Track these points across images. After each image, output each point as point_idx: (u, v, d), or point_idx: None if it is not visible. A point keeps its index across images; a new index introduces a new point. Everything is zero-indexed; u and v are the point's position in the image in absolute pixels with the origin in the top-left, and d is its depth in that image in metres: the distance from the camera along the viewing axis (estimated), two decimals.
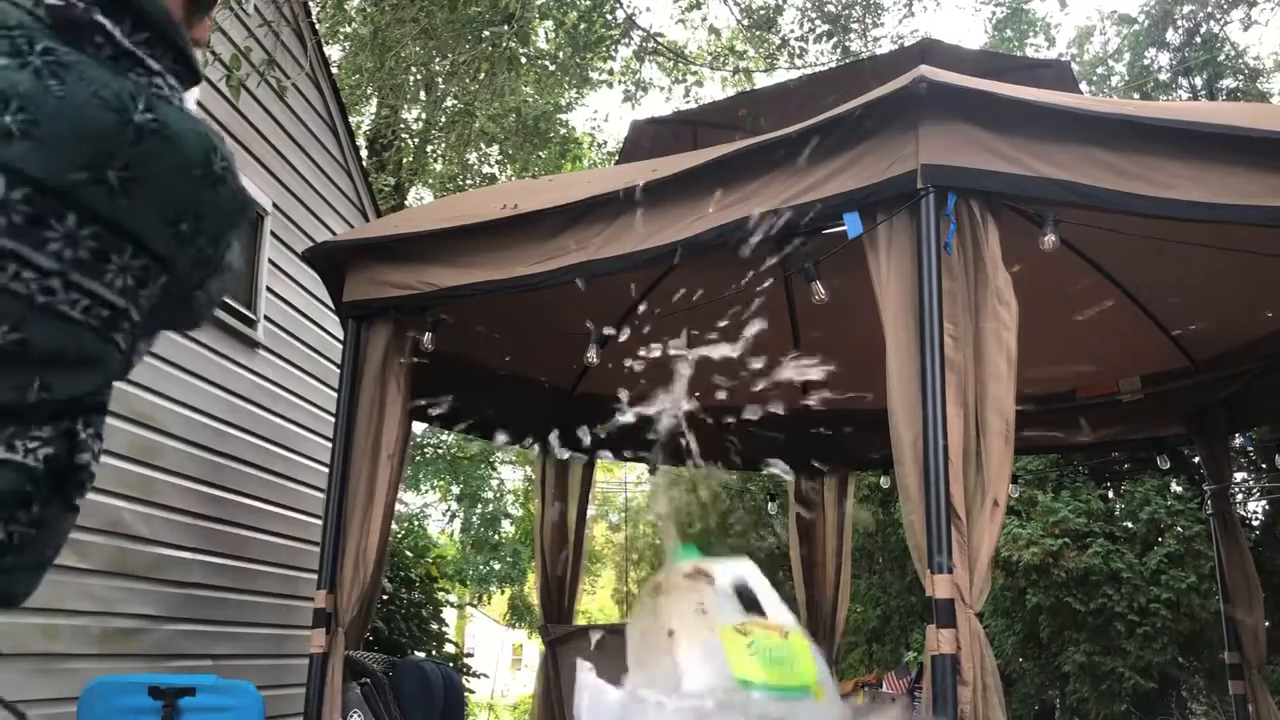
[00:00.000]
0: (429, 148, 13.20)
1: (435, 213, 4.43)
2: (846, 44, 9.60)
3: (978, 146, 2.75)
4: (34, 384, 1.05)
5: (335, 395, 4.03)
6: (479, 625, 25.41)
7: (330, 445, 4.12)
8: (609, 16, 9.48)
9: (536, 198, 3.57)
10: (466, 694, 7.25)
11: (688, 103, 11.96)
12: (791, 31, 10.12)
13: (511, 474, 18.54)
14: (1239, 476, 9.30)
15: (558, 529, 5.57)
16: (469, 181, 12.46)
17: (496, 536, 18.03)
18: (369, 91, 10.59)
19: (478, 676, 9.81)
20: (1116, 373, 5.06)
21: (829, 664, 5.87)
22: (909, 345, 2.72)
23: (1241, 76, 11.93)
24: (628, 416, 3.69)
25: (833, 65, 8.84)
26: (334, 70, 8.11)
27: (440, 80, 9.88)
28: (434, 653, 7.79)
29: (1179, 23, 12.06)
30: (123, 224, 1.08)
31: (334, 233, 6.33)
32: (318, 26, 7.42)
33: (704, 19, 11.88)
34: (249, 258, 5.50)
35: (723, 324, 2.57)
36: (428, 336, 3.85)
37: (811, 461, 6.09)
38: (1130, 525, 8.89)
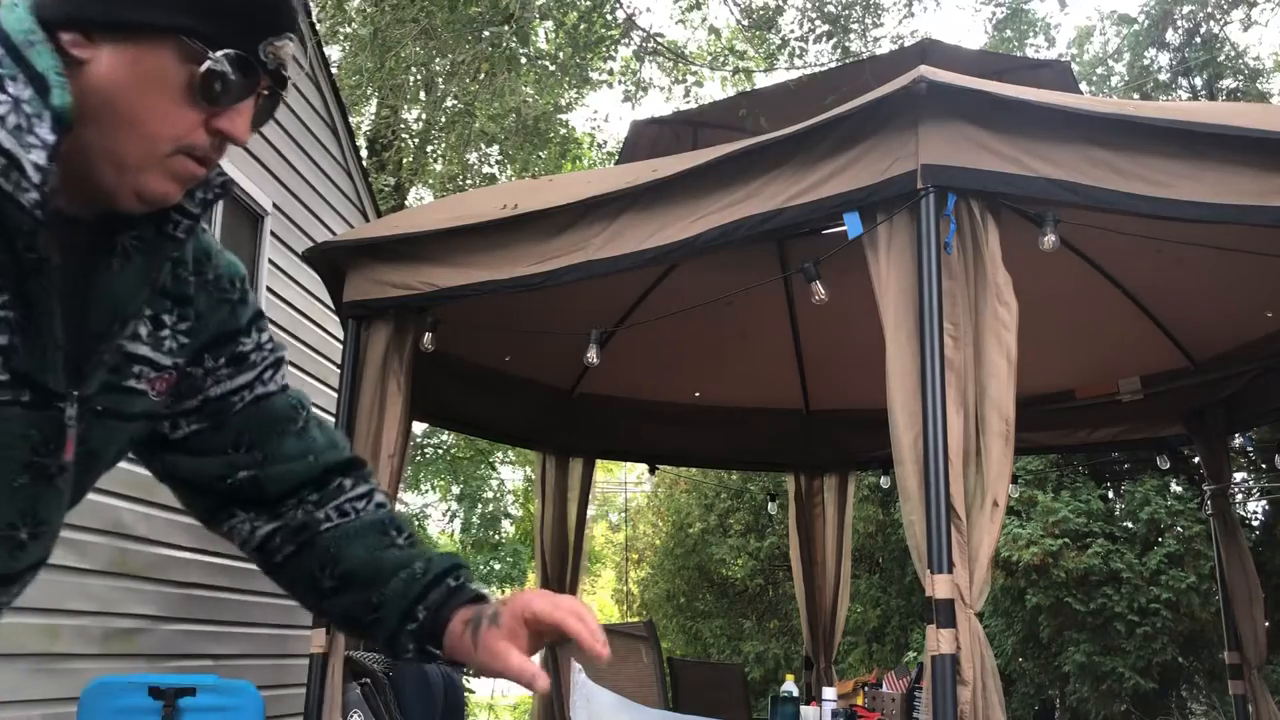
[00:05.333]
0: (429, 148, 13.20)
1: (435, 213, 4.43)
2: (846, 44, 9.60)
3: (978, 146, 2.75)
4: None
5: (335, 395, 4.03)
6: None
7: None
8: (609, 16, 9.48)
9: (536, 198, 3.58)
10: (466, 694, 7.25)
11: (688, 103, 11.95)
12: (791, 31, 10.12)
13: (511, 474, 18.53)
14: (1239, 476, 9.31)
15: (558, 529, 5.57)
16: (469, 181, 12.46)
17: (496, 536, 18.03)
18: (369, 91, 10.60)
19: (478, 676, 9.81)
20: (1116, 373, 5.06)
21: (829, 664, 5.87)
22: (909, 345, 2.72)
23: (1241, 76, 11.93)
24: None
25: (833, 65, 8.84)
26: (334, 70, 8.11)
27: (440, 80, 9.88)
28: None
29: (1179, 23, 12.06)
30: None
31: (334, 233, 6.33)
32: (318, 26, 7.43)
33: (704, 19, 11.89)
34: (250, 258, 5.50)
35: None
36: (428, 336, 3.85)
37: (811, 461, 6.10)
38: (1130, 525, 8.90)
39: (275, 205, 5.72)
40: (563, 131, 12.55)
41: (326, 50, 7.70)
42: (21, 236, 0.94)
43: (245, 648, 5.23)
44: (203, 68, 0.98)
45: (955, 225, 2.71)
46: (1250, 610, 4.58)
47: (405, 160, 12.68)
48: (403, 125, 12.83)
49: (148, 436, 1.21)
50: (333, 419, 4.03)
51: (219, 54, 0.98)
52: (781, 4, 9.65)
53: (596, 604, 22.31)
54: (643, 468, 6.99)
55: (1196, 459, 6.26)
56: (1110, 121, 2.77)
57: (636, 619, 12.98)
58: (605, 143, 14.43)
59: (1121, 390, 5.03)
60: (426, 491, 17.51)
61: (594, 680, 4.45)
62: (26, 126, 0.93)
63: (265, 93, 1.05)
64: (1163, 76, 12.43)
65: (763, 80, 11.23)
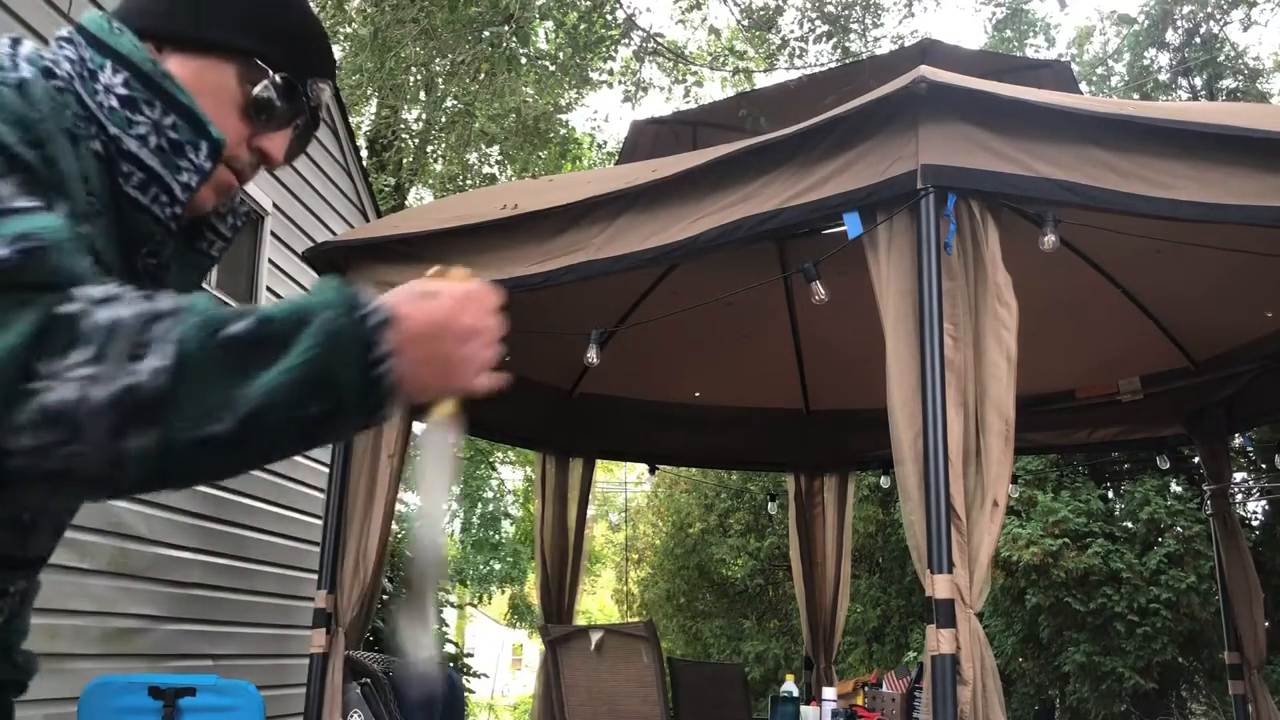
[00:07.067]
0: (429, 148, 13.19)
1: (435, 213, 4.44)
2: (846, 44, 9.60)
3: (978, 146, 2.75)
4: None
5: None
6: (479, 625, 25.42)
7: (330, 445, 4.12)
8: (609, 17, 9.48)
9: (536, 198, 3.58)
10: (466, 694, 7.25)
11: (688, 103, 11.95)
12: (791, 32, 10.12)
13: (511, 474, 18.54)
14: (1239, 476, 9.31)
15: (558, 529, 5.57)
16: (469, 181, 12.45)
17: (496, 536, 18.04)
18: (369, 92, 10.59)
19: (478, 676, 9.82)
20: (1116, 373, 5.06)
21: (829, 664, 5.88)
22: (909, 345, 2.72)
23: (1241, 76, 11.93)
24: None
25: (833, 65, 8.84)
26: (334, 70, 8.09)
27: (440, 80, 9.88)
28: None
29: (1179, 23, 12.06)
30: None
31: (334, 233, 6.33)
32: None
33: (704, 19, 11.87)
34: (249, 257, 5.50)
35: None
36: None
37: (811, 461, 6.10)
38: (1130, 525, 8.90)
39: (275, 205, 5.72)
40: (563, 131, 12.55)
41: None
42: (149, 244, 1.05)
43: (245, 648, 5.23)
44: (258, 88, 1.08)
45: (955, 225, 2.71)
46: (1250, 610, 4.58)
47: (405, 160, 12.68)
48: (403, 125, 12.83)
49: None
50: None
51: (277, 77, 1.09)
52: (781, 4, 9.65)
53: (597, 604, 22.34)
54: (643, 468, 6.97)
55: (1196, 459, 6.26)
56: (1110, 122, 2.77)
57: (636, 619, 12.99)
58: (605, 143, 14.43)
59: (1121, 390, 5.03)
60: None
61: (594, 681, 4.45)
62: (172, 149, 1.04)
63: (299, 126, 1.14)
64: (1163, 76, 12.44)
65: (763, 80, 11.23)
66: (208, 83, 1.06)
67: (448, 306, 0.88)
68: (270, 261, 5.67)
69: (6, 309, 0.76)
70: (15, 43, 1.00)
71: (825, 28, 9.44)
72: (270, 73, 1.08)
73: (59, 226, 0.84)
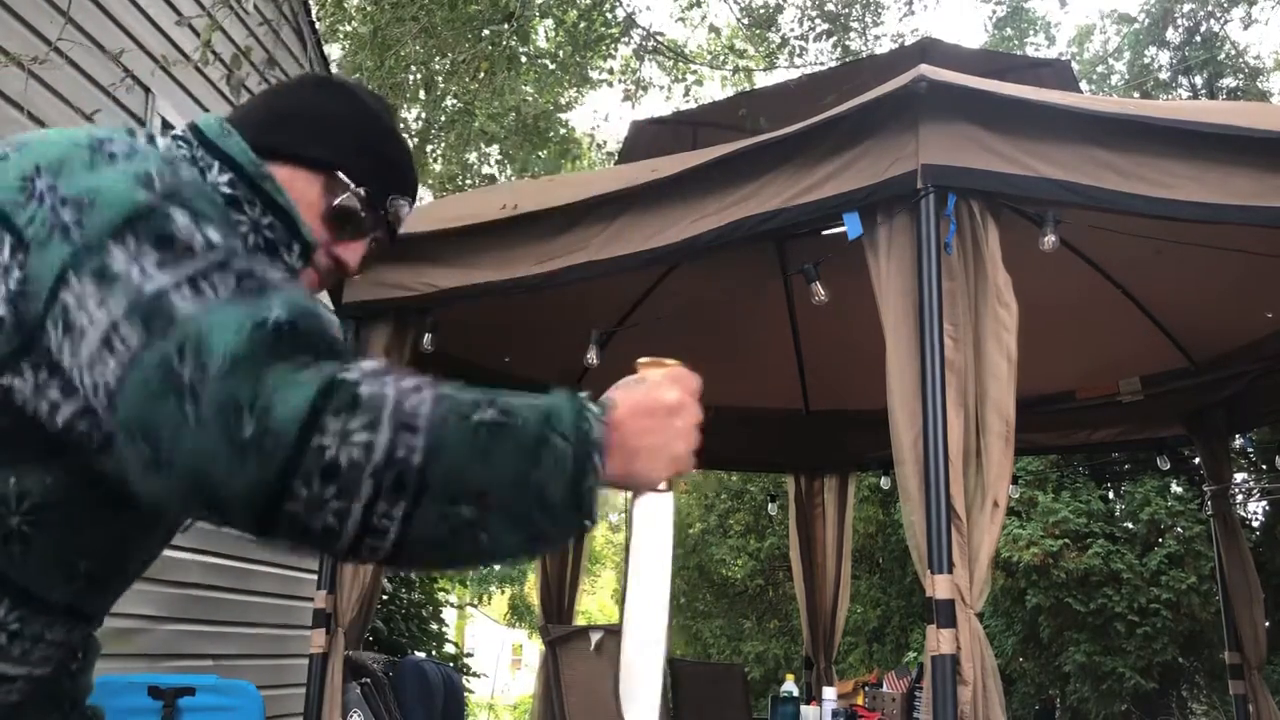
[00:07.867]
0: (429, 147, 13.18)
1: (435, 213, 4.43)
2: (846, 43, 9.60)
3: (978, 146, 2.75)
4: None
5: None
6: (479, 625, 25.42)
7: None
8: (609, 15, 9.48)
9: (536, 198, 3.57)
10: (466, 694, 7.25)
11: (688, 103, 11.95)
12: (791, 31, 10.12)
13: None
14: (1239, 477, 9.31)
15: None
16: (469, 181, 12.45)
17: None
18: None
19: (478, 676, 9.81)
20: (1116, 373, 5.06)
21: (829, 664, 5.87)
22: (909, 345, 2.72)
23: (1241, 76, 11.93)
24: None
25: (833, 64, 8.85)
26: (334, 69, 8.11)
27: (440, 79, 9.88)
28: (434, 653, 7.78)
29: (1179, 21, 12.07)
30: None
31: None
32: (318, 25, 7.43)
33: (704, 18, 11.88)
34: None
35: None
36: (428, 337, 3.85)
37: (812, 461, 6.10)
38: (1130, 526, 8.90)
39: None
40: (563, 131, 12.54)
41: (326, 49, 7.70)
42: None
43: (245, 648, 5.23)
44: (341, 199, 1.16)
45: (955, 225, 2.71)
46: (1250, 610, 4.58)
47: None
48: (402, 124, 12.82)
49: None
50: None
51: (360, 189, 1.17)
52: (781, 2, 9.65)
53: (597, 604, 22.33)
54: None
55: (1197, 459, 6.26)
56: (1111, 121, 2.77)
57: None
58: (605, 143, 14.42)
59: (1121, 391, 5.03)
60: None
61: (594, 681, 4.45)
62: (267, 247, 1.12)
63: (376, 239, 1.22)
64: (1163, 75, 12.44)
65: (763, 80, 11.23)
66: (298, 190, 1.14)
67: (652, 387, 0.97)
68: None
69: (299, 367, 0.82)
70: (151, 139, 1.08)
71: (825, 26, 9.44)
72: (353, 186, 1.16)
73: (309, 298, 0.91)
